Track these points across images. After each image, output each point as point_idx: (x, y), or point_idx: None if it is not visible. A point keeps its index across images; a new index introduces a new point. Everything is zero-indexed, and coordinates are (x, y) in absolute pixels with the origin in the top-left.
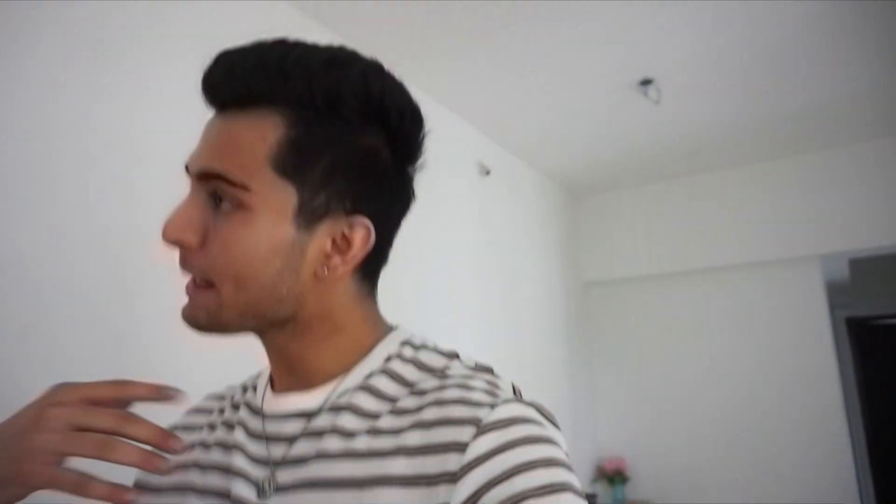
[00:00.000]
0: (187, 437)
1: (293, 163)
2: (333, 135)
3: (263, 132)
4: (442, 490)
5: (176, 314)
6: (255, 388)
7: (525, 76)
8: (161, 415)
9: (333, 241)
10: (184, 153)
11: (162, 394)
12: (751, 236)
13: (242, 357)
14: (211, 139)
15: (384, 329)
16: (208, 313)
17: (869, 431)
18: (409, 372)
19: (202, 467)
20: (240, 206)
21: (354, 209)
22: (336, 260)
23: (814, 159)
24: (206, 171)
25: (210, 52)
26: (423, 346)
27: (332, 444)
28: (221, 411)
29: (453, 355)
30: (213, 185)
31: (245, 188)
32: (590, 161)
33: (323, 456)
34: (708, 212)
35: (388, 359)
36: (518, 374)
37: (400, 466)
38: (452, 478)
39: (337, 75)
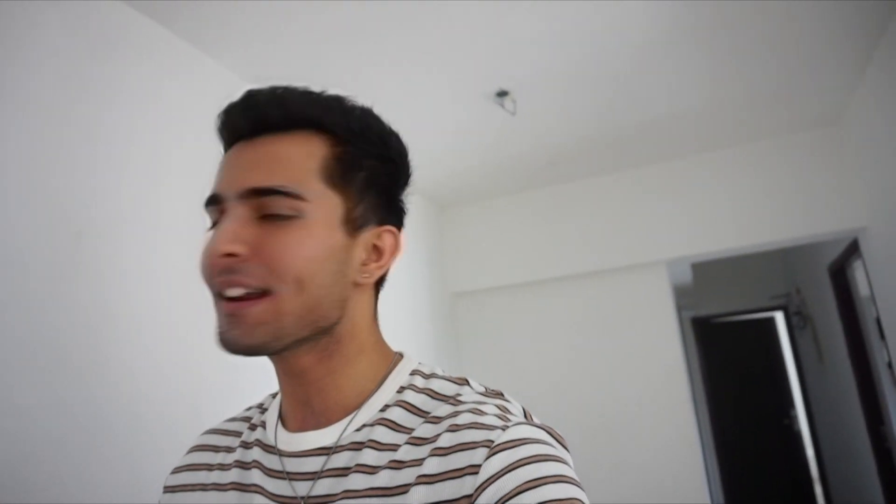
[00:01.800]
0: (193, 478)
1: (339, 175)
2: (366, 153)
3: (311, 149)
4: None
5: None
6: (263, 426)
7: (382, 88)
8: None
9: (368, 249)
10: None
11: None
12: (604, 244)
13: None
14: (251, 161)
15: (393, 357)
16: (264, 325)
17: (713, 414)
18: (422, 402)
19: None
20: (295, 215)
21: (383, 220)
22: (372, 266)
23: (659, 170)
24: (257, 188)
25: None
26: (433, 375)
27: (358, 481)
28: (230, 450)
29: (463, 381)
30: (263, 201)
31: (301, 198)
32: (452, 172)
33: (350, 494)
34: (566, 221)
35: (401, 390)
36: None
37: (421, 495)
38: (469, 500)
39: (361, 109)
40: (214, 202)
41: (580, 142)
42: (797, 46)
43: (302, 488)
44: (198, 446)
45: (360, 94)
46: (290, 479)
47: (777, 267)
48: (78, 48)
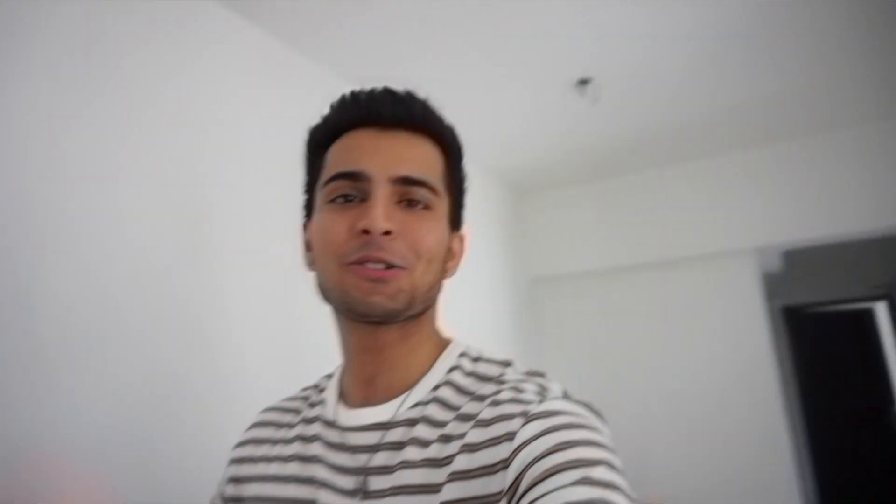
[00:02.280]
0: (256, 451)
1: (448, 180)
2: (457, 169)
3: (436, 155)
4: (498, 477)
5: None
6: (323, 403)
7: (464, 75)
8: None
9: (449, 249)
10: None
11: None
12: (690, 231)
13: None
14: (401, 152)
15: (444, 341)
16: (404, 293)
17: (806, 411)
18: (468, 383)
19: (283, 480)
20: (429, 207)
21: (459, 226)
22: (450, 264)
23: (749, 156)
24: (412, 178)
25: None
26: (480, 358)
27: (413, 453)
28: (291, 426)
29: (507, 363)
30: (410, 189)
31: (437, 193)
32: (532, 159)
33: (406, 465)
34: (649, 208)
35: (450, 370)
36: None
37: (463, 462)
38: (505, 464)
39: (454, 129)
40: (354, 178)
41: (664, 129)
42: None
43: (361, 460)
44: (259, 422)
45: (442, 79)
46: (352, 452)
47: (876, 255)
48: (187, 50)
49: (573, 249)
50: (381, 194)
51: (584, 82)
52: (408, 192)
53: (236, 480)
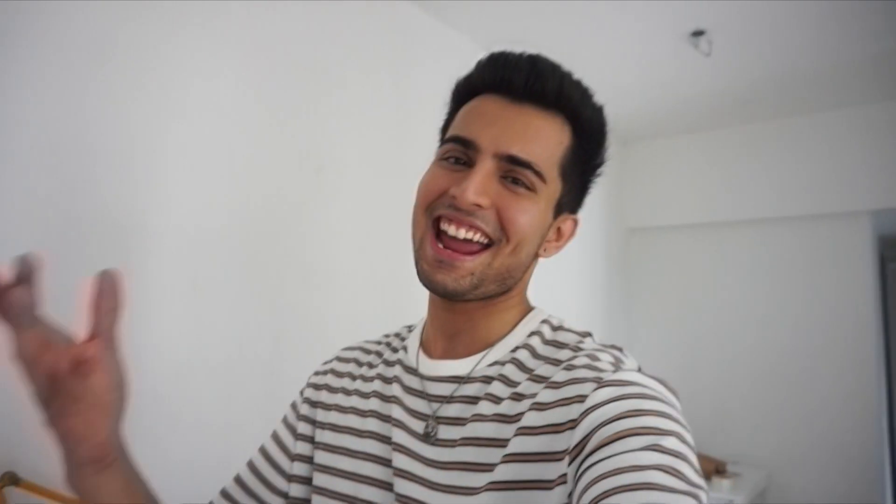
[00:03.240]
0: (336, 382)
1: (569, 167)
2: (593, 153)
3: (561, 137)
4: (565, 435)
5: None
6: (405, 349)
7: (573, 23)
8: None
9: (554, 230)
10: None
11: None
12: (800, 189)
13: None
14: (518, 128)
15: (528, 307)
16: (471, 276)
17: None
18: (546, 350)
19: (361, 413)
20: (532, 189)
21: (574, 208)
22: (552, 245)
23: (869, 112)
24: (518, 159)
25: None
26: (560, 327)
27: (485, 408)
28: (371, 365)
29: (586, 334)
30: (514, 168)
31: (543, 179)
32: (639, 109)
33: (478, 418)
34: (757, 162)
35: (531, 335)
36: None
37: (532, 419)
38: (573, 424)
39: (600, 110)
40: (465, 145)
41: (778, 80)
42: None
43: (435, 408)
44: (341, 357)
45: (560, 32)
46: (429, 399)
47: None
48: (321, 21)
49: (673, 201)
50: (483, 167)
51: (698, 34)
52: (511, 170)
53: (312, 403)
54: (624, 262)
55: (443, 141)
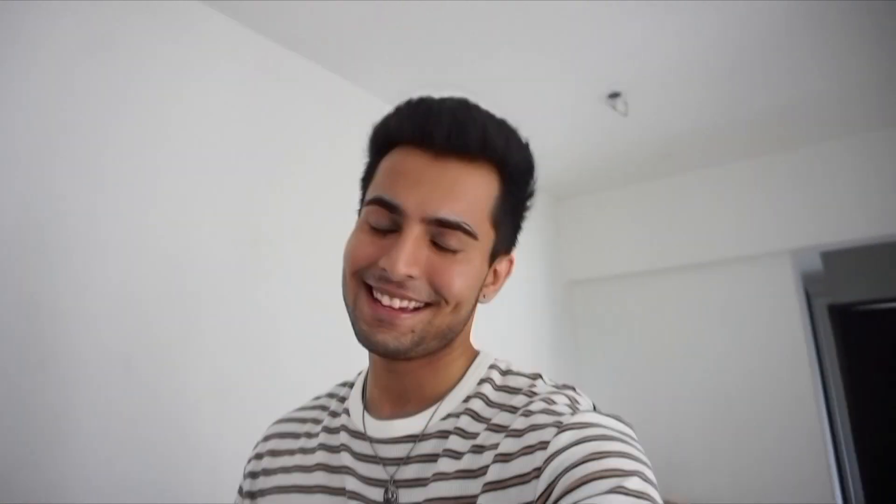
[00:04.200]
0: (273, 463)
1: (500, 214)
2: (524, 193)
3: (489, 189)
4: (531, 486)
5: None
6: (346, 413)
7: (496, 94)
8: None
9: (493, 273)
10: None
11: None
12: (724, 234)
13: None
14: (444, 188)
15: (472, 353)
16: (413, 334)
17: (852, 410)
18: (499, 397)
19: (307, 490)
20: (463, 249)
21: (509, 249)
22: (490, 289)
23: (780, 158)
24: (448, 221)
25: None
26: (509, 371)
27: (446, 465)
28: (310, 435)
29: (536, 376)
30: (444, 231)
31: (475, 238)
32: (568, 167)
33: (440, 477)
34: (683, 211)
35: (481, 382)
36: None
37: (496, 473)
38: (538, 472)
39: (526, 148)
40: (390, 209)
41: (694, 135)
42: None
43: (391, 472)
44: (275, 434)
45: (482, 91)
46: (383, 465)
47: None
48: (242, 81)
49: (608, 253)
50: (411, 234)
51: (614, 95)
52: (441, 233)
53: (251, 495)
54: (568, 313)
55: (364, 200)
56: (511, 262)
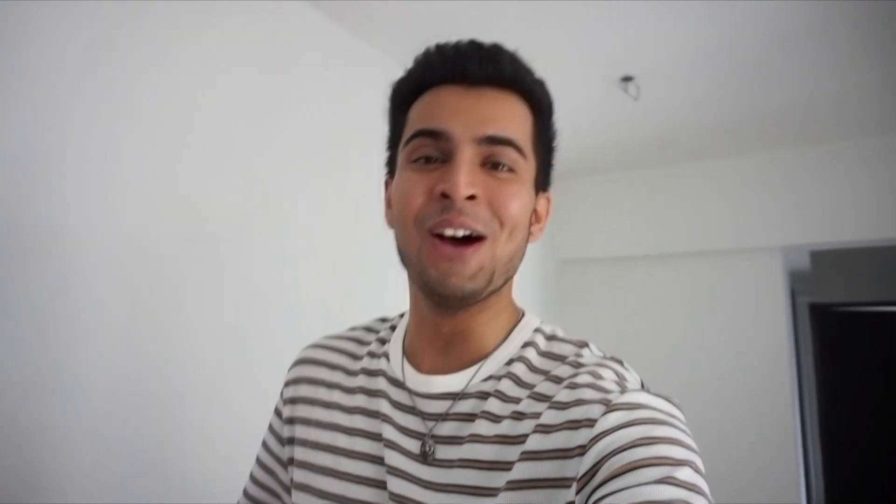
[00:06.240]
0: (313, 392)
1: (537, 143)
2: (547, 128)
3: (524, 112)
4: (574, 462)
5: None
6: (386, 357)
7: None
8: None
9: (535, 211)
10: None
11: None
12: (718, 225)
13: None
14: (486, 110)
15: (518, 311)
16: (483, 271)
17: (821, 403)
18: (543, 363)
19: (349, 432)
20: (514, 170)
21: (546, 187)
22: (536, 228)
23: (780, 157)
24: (499, 137)
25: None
26: (554, 337)
27: (483, 427)
28: (347, 371)
29: (583, 344)
30: (495, 149)
31: (524, 155)
32: (570, 147)
33: (477, 439)
34: (679, 200)
35: (525, 345)
36: None
37: (536, 443)
38: (582, 450)
39: (545, 85)
40: (435, 137)
41: (700, 126)
42: None
43: (429, 426)
44: (309, 360)
45: None
46: (423, 418)
47: None
48: (262, 44)
49: (602, 235)
50: (465, 156)
51: (627, 79)
52: (493, 152)
53: (290, 421)
54: (558, 292)
55: (400, 142)
56: (549, 200)
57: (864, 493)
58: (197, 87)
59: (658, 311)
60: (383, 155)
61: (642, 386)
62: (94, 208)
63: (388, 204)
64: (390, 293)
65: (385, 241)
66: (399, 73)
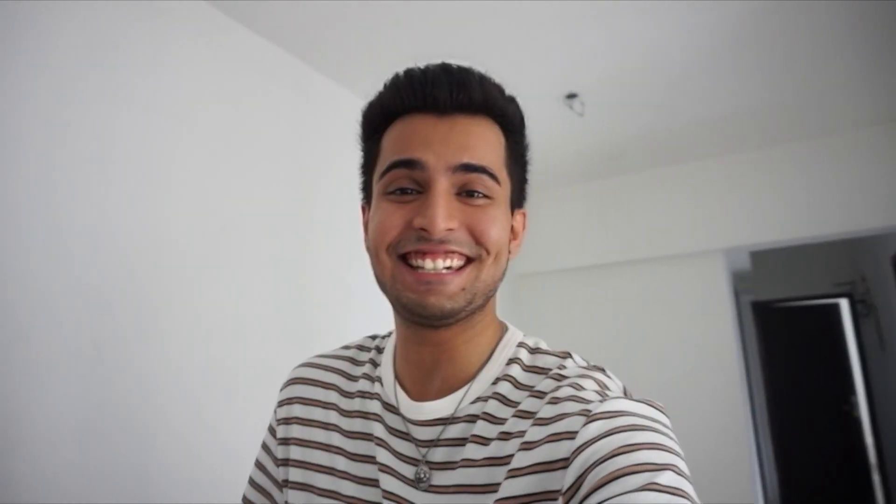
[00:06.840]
0: (309, 413)
1: (510, 163)
2: (521, 148)
3: (497, 136)
4: (558, 475)
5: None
6: (379, 381)
7: None
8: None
9: (511, 228)
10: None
11: None
12: (664, 232)
13: None
14: (459, 139)
15: (501, 326)
16: (464, 291)
17: (770, 398)
18: (527, 378)
19: (348, 456)
20: (489, 195)
21: (521, 203)
22: (514, 244)
23: (718, 163)
24: (473, 165)
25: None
26: (538, 349)
27: (473, 451)
28: (342, 393)
29: (566, 355)
30: (470, 177)
31: (498, 181)
32: None
33: (468, 463)
34: (626, 210)
35: (509, 362)
36: None
37: (521, 459)
38: (565, 463)
39: (515, 102)
40: (411, 167)
41: (641, 137)
42: (857, 47)
43: (422, 452)
44: (303, 379)
45: None
46: (417, 445)
47: (842, 254)
48: (231, 86)
49: (555, 248)
50: (440, 188)
51: (571, 96)
52: (468, 180)
53: (285, 441)
54: (516, 305)
55: (374, 169)
56: (524, 215)
57: (815, 481)
58: (152, 125)
59: (611, 318)
60: (344, 188)
61: (625, 392)
62: (49, 253)
63: (366, 230)
64: (352, 324)
65: (350, 271)
66: (357, 104)
